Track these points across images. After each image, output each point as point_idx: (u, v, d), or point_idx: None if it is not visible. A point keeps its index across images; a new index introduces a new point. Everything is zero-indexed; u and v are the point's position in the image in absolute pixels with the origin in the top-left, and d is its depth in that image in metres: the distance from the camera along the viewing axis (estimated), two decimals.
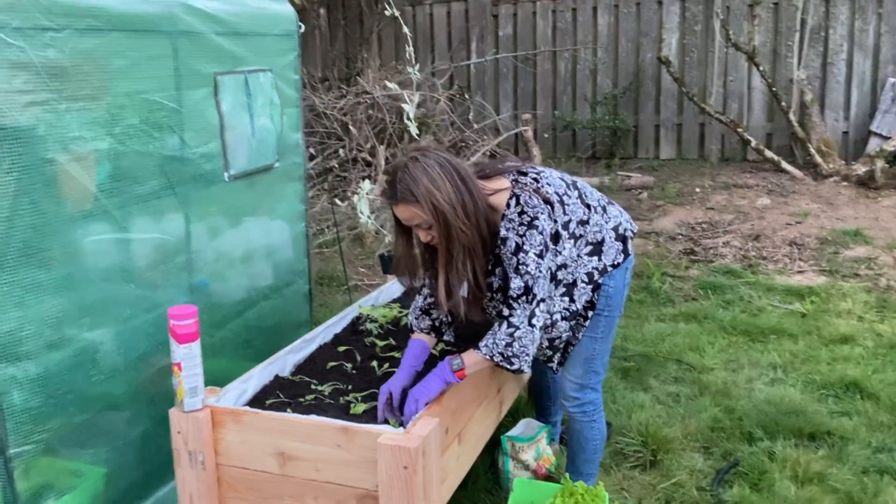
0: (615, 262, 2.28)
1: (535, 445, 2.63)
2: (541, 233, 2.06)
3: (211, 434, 1.99)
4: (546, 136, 8.65)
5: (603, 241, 2.26)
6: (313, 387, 2.30)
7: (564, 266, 2.21)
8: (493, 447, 2.75)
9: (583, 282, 2.24)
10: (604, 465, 2.80)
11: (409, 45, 3.21)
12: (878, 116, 7.30)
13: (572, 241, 2.20)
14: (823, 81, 7.61)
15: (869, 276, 4.74)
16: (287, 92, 3.20)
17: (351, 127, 7.10)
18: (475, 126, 7.94)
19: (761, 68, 7.20)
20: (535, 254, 2.05)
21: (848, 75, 7.53)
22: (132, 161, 2.39)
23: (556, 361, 2.37)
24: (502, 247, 2.09)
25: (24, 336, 2.07)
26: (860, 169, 6.69)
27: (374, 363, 2.44)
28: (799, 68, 7.38)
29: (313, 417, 1.94)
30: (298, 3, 9.71)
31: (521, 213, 2.07)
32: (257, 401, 2.19)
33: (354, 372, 2.42)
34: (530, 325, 2.06)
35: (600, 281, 2.26)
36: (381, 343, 2.60)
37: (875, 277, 4.72)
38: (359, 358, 2.50)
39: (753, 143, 7.39)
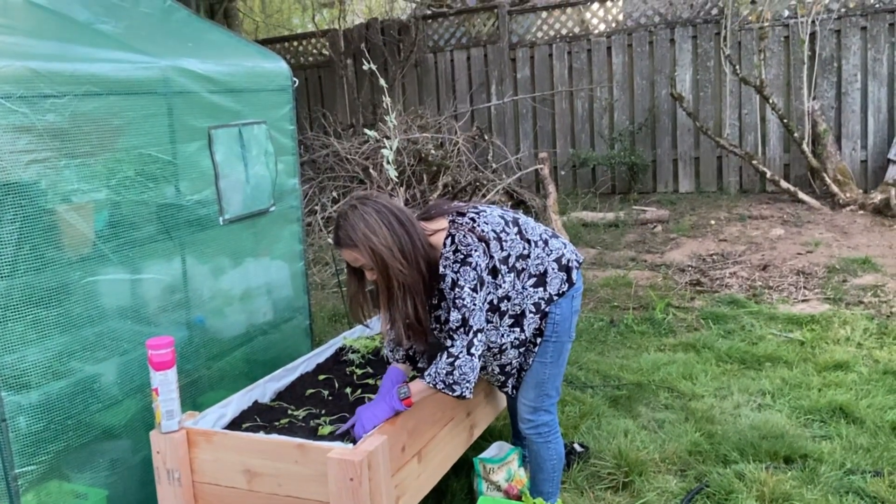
0: (560, 291, 2.43)
1: (506, 467, 2.76)
2: (474, 268, 2.23)
3: (187, 453, 2.19)
4: (563, 173, 8.82)
5: (546, 272, 2.42)
6: (289, 412, 2.49)
7: (508, 298, 2.37)
8: (472, 470, 2.89)
9: (531, 312, 2.40)
10: (577, 485, 2.91)
11: (385, 96, 3.44)
12: (895, 144, 7.27)
13: (513, 274, 2.36)
14: (839, 111, 7.64)
15: (873, 304, 4.74)
16: (282, 141, 3.47)
17: (371, 170, 7.41)
18: (493, 166, 8.17)
19: (772, 101, 7.28)
20: (469, 288, 2.22)
21: (864, 104, 7.54)
22: (129, 209, 2.66)
23: (509, 386, 2.53)
24: (442, 283, 2.28)
25: (27, 367, 2.32)
26: (877, 197, 6.67)
27: (349, 389, 2.62)
28: (810, 99, 7.42)
29: (274, 436, 2.13)
30: (327, 54, 10.19)
31: (455, 252, 2.25)
32: (235, 424, 2.39)
33: (331, 398, 2.60)
34: (469, 353, 2.22)
35: (547, 309, 2.42)
36: (359, 372, 2.79)
37: (879, 305, 4.71)
38: (337, 385, 2.69)
39: (769, 175, 7.43)
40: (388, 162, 3.19)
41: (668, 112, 8.38)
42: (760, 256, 5.91)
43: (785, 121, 7.29)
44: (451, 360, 2.22)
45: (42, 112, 2.30)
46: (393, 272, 2.20)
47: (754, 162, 7.44)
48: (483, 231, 2.32)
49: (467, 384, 2.23)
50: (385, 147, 3.19)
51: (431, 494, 2.61)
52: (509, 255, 2.35)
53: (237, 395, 2.49)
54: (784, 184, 7.33)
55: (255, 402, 2.55)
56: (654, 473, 2.97)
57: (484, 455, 2.81)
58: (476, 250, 2.24)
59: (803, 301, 4.96)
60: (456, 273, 2.23)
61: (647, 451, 3.12)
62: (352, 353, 2.95)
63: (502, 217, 2.43)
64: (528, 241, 2.42)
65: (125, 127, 2.62)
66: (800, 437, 3.19)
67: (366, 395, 2.55)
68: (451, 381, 2.22)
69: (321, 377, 2.77)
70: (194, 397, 2.96)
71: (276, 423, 2.39)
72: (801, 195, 7.20)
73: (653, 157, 8.48)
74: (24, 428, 2.35)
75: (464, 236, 2.26)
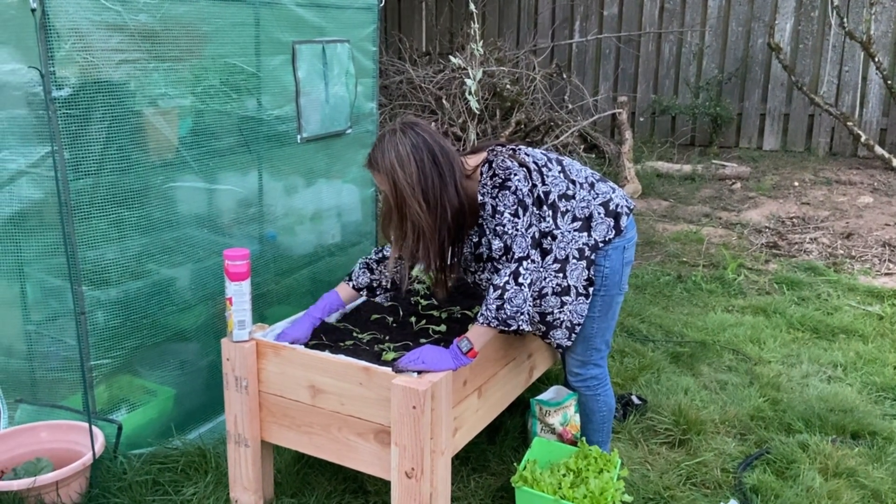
0: (606, 238, 2.31)
1: (562, 411, 2.74)
2: (514, 192, 2.14)
3: (255, 364, 2.24)
4: (641, 119, 8.52)
5: (591, 216, 2.30)
6: (354, 334, 2.50)
7: (553, 236, 2.26)
8: (527, 410, 2.89)
9: (574, 258, 2.29)
10: (632, 437, 2.88)
11: (474, 22, 3.31)
12: None
13: (552, 211, 2.26)
14: None
15: None
16: (364, 63, 3.40)
17: (444, 101, 7.28)
18: (569, 106, 7.93)
19: (877, 59, 6.80)
20: (510, 213, 2.13)
21: None
22: (212, 118, 2.66)
23: (553, 339, 2.39)
24: (483, 213, 2.20)
25: (107, 265, 2.39)
26: None
27: (413, 319, 2.62)
28: None
29: (341, 357, 2.14)
30: None
31: (493, 176, 2.16)
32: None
33: (395, 325, 2.61)
34: (517, 284, 2.10)
35: (593, 258, 2.31)
36: (424, 302, 2.78)
37: None
38: (401, 313, 2.69)
39: (863, 138, 7.02)
40: (471, 93, 3.10)
41: (761, 63, 7.94)
42: (845, 224, 5.63)
43: (889, 82, 6.82)
44: (497, 293, 2.11)
45: (135, 12, 2.29)
46: (409, 211, 2.13)
47: (850, 123, 7.02)
48: (524, 159, 2.23)
49: (522, 317, 2.10)
50: (465, 77, 3.09)
51: (486, 430, 2.62)
52: (550, 192, 2.25)
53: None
54: (879, 149, 6.92)
55: (322, 322, 2.57)
56: (713, 434, 2.92)
57: (541, 397, 2.79)
58: (516, 174, 2.15)
59: (886, 274, 4.72)
60: (495, 199, 2.15)
61: (708, 412, 3.05)
62: (417, 283, 2.94)
63: (545, 155, 2.34)
64: (573, 182, 2.31)
65: (213, 34, 2.60)
66: (869, 413, 3.08)
67: (430, 326, 2.55)
68: (505, 317, 2.09)
69: (386, 304, 2.77)
70: (261, 310, 3.01)
71: (342, 344, 2.40)
72: (895, 163, 6.79)
73: (739, 110, 8.08)
74: (102, 323, 2.44)
75: (502, 161, 2.17)
